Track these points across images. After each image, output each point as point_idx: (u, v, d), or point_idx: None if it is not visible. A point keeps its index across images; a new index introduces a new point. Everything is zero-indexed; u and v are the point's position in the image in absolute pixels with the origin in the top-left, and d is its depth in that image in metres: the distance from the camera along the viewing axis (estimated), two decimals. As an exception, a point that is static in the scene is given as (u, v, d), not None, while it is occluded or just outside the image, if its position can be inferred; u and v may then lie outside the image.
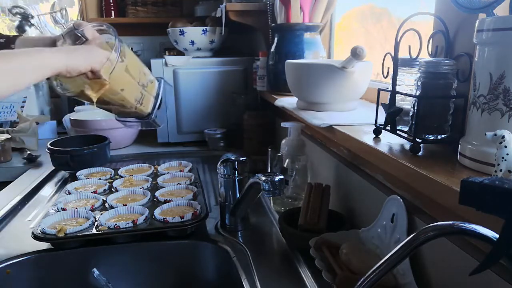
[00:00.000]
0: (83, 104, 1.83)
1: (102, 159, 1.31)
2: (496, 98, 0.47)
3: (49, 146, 1.28)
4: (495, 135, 0.43)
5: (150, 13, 2.10)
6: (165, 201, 0.97)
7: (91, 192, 1.05)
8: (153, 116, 0.92)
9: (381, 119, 0.68)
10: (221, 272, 0.87)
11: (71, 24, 0.84)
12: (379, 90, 0.71)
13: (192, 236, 0.89)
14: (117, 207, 0.94)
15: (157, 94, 0.93)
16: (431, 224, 0.40)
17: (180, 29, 1.59)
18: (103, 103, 0.84)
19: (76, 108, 1.83)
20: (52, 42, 0.86)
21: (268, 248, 0.85)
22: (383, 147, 0.64)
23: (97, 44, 0.81)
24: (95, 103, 0.81)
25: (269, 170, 1.09)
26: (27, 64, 0.65)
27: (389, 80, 0.68)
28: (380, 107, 0.69)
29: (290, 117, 1.07)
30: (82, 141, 1.35)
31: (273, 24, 1.27)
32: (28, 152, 1.52)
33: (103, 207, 0.97)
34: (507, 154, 0.42)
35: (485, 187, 0.35)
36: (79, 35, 0.81)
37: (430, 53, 0.68)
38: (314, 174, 1.07)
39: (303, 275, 0.73)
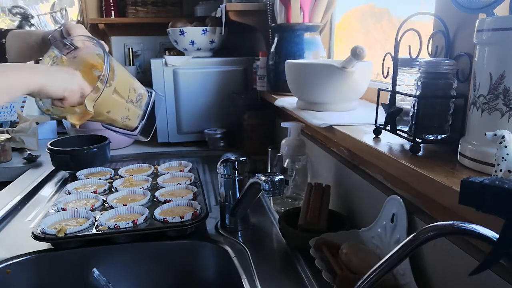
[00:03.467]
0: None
1: (102, 159, 1.31)
2: (496, 98, 0.47)
3: (49, 146, 1.28)
4: (495, 135, 0.43)
5: (150, 13, 2.10)
6: (165, 201, 0.97)
7: (91, 192, 1.05)
8: (139, 129, 0.89)
9: (381, 119, 0.68)
10: (221, 272, 0.87)
11: (60, 28, 0.82)
12: (379, 90, 0.71)
13: (192, 236, 0.89)
14: (117, 207, 0.94)
15: (146, 108, 0.89)
16: (431, 224, 0.40)
17: (180, 29, 1.59)
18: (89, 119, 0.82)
19: (76, 108, 1.83)
20: (42, 38, 0.85)
21: (268, 248, 0.85)
22: (383, 147, 0.64)
23: (85, 54, 0.78)
24: (78, 127, 0.78)
25: (269, 170, 1.09)
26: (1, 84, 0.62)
27: (389, 80, 0.68)
28: (380, 107, 0.69)
29: (290, 117, 1.07)
30: (82, 141, 1.35)
31: (273, 24, 1.27)
32: (28, 152, 1.52)
33: (103, 207, 0.97)
34: (507, 154, 0.42)
35: (485, 187, 0.35)
36: (68, 44, 0.78)
37: (430, 53, 0.68)
38: (314, 174, 1.07)
39: (303, 275, 0.73)
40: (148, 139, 0.93)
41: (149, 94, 0.90)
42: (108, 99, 0.77)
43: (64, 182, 1.25)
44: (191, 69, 1.57)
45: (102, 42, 0.82)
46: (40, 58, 0.81)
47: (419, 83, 0.61)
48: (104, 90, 0.74)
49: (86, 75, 0.76)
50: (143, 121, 0.89)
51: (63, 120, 1.73)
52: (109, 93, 0.77)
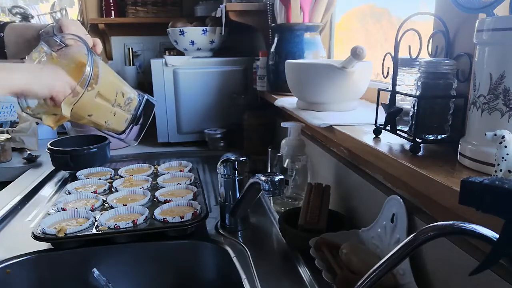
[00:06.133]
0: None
1: (102, 159, 1.31)
2: (496, 98, 0.47)
3: (49, 146, 1.28)
4: (495, 135, 0.43)
5: (150, 13, 2.09)
6: (165, 201, 0.97)
7: (91, 192, 1.05)
8: (127, 133, 0.86)
9: (381, 119, 0.68)
10: (221, 272, 0.87)
11: (52, 25, 0.80)
12: (379, 90, 0.71)
13: (192, 236, 0.89)
14: (117, 207, 0.94)
15: (136, 112, 0.86)
16: (431, 224, 0.40)
17: (180, 29, 1.59)
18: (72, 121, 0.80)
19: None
20: (39, 32, 0.84)
21: (268, 248, 0.85)
22: (383, 147, 0.64)
23: (77, 52, 0.76)
24: (54, 128, 0.76)
25: (269, 170, 1.09)
26: None
27: (389, 80, 0.68)
28: (380, 107, 0.69)
29: (290, 117, 1.07)
30: (82, 141, 1.35)
31: (273, 24, 1.27)
32: (28, 152, 1.52)
33: (103, 207, 0.97)
34: (507, 154, 0.42)
35: (485, 187, 0.35)
36: (58, 41, 0.76)
37: (430, 53, 0.68)
38: (314, 174, 1.07)
39: (303, 275, 0.73)
40: (136, 143, 0.91)
41: (140, 98, 0.87)
42: (90, 103, 0.75)
43: (64, 182, 1.25)
44: (191, 69, 1.57)
45: (96, 40, 0.80)
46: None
47: (419, 83, 0.61)
48: (84, 94, 0.72)
49: (76, 74, 0.73)
50: (132, 125, 0.87)
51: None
52: (91, 97, 0.74)
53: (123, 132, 0.86)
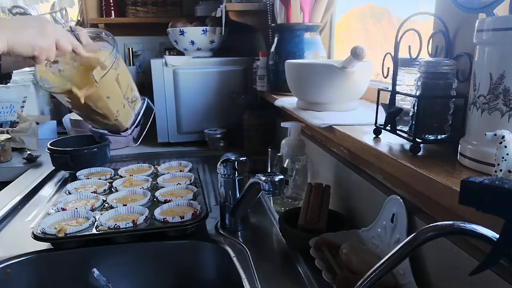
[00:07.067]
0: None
1: (102, 159, 1.31)
2: (496, 98, 0.47)
3: (49, 146, 1.28)
4: (495, 135, 0.43)
5: (150, 13, 2.10)
6: (165, 201, 0.97)
7: (91, 192, 1.05)
8: (129, 133, 0.92)
9: (381, 119, 0.68)
10: (221, 272, 0.87)
11: (69, 27, 0.84)
12: (379, 90, 0.71)
13: (192, 236, 0.89)
14: (117, 207, 0.94)
15: (138, 112, 0.93)
16: (431, 224, 0.40)
17: (180, 29, 1.59)
18: (85, 109, 0.83)
19: (76, 108, 1.83)
20: None
21: (268, 248, 0.85)
22: (383, 147, 0.64)
23: (89, 50, 0.79)
24: (82, 101, 0.78)
25: (269, 170, 1.09)
26: None
27: (389, 80, 0.68)
28: (380, 107, 0.69)
29: (290, 117, 1.07)
30: (82, 141, 1.35)
31: (273, 24, 1.27)
32: (28, 152, 1.52)
33: (103, 207, 0.97)
34: (507, 154, 0.42)
35: (485, 187, 0.35)
36: (75, 36, 0.80)
37: (430, 53, 0.68)
38: (314, 174, 1.07)
39: (303, 275, 0.73)
40: (137, 144, 0.95)
41: (142, 101, 0.93)
42: (110, 83, 0.80)
43: (64, 182, 1.25)
44: (191, 69, 1.57)
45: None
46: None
47: (419, 83, 0.61)
48: (110, 71, 0.77)
49: (84, 75, 0.77)
50: (134, 125, 0.92)
51: (63, 119, 1.73)
52: (112, 78, 0.80)
53: (127, 129, 0.92)
